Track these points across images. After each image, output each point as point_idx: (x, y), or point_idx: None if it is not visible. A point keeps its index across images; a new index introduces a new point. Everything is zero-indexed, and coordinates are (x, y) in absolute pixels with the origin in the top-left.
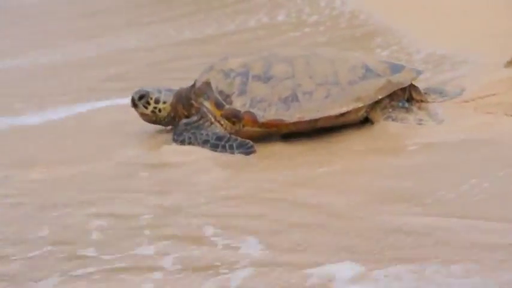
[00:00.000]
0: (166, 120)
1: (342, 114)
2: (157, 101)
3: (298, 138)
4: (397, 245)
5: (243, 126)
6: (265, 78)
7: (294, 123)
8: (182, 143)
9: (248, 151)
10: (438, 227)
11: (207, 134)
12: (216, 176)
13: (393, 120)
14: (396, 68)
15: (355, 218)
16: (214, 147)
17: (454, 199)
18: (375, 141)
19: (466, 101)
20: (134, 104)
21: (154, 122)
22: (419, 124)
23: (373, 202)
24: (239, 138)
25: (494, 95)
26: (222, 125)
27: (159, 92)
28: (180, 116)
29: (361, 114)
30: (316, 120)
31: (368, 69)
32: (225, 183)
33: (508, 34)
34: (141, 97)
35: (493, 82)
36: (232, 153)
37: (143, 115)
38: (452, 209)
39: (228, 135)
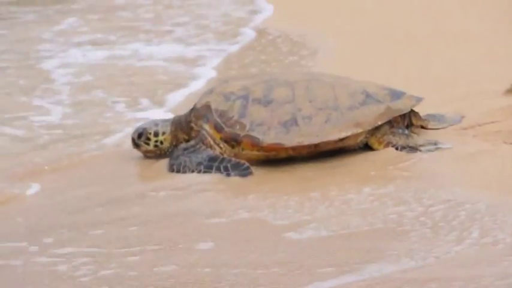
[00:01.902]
0: (170, 150)
1: (341, 140)
2: (156, 134)
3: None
4: None
5: (242, 149)
6: (265, 102)
7: (293, 148)
8: (178, 167)
9: (244, 173)
10: None
11: (202, 157)
12: None
13: (393, 146)
14: (396, 95)
15: None
16: (209, 168)
17: None
18: (371, 168)
19: (465, 128)
20: (136, 144)
21: (160, 155)
22: (419, 151)
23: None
24: (233, 159)
25: (493, 122)
26: (221, 148)
27: (156, 125)
28: (181, 142)
29: (361, 140)
30: (315, 145)
31: (368, 95)
32: None
33: (508, 61)
34: (140, 136)
35: (493, 110)
36: (228, 174)
37: (147, 152)
38: None
39: (222, 157)
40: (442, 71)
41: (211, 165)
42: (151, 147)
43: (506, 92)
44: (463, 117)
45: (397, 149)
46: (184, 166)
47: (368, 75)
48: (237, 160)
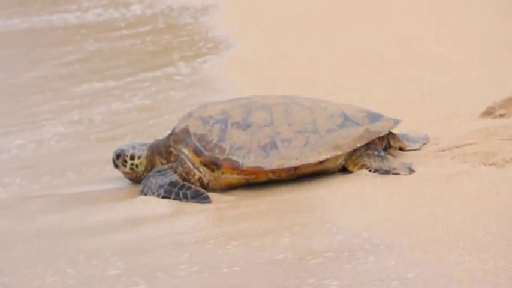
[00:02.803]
0: (144, 174)
1: (321, 162)
2: (132, 157)
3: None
4: None
5: (222, 173)
6: (244, 126)
7: (273, 171)
8: (143, 188)
9: (202, 202)
10: None
11: (165, 181)
12: None
13: (367, 168)
14: (374, 117)
15: None
16: (168, 193)
17: None
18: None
19: (443, 150)
20: (115, 165)
21: (136, 179)
22: (394, 174)
23: None
24: (193, 187)
25: (471, 144)
26: (200, 172)
27: (133, 148)
28: (157, 166)
29: (340, 162)
30: (295, 168)
31: (346, 118)
32: None
33: (482, 84)
34: (118, 156)
35: (470, 132)
36: (187, 201)
37: (125, 173)
38: None
39: (182, 183)
40: (417, 95)
41: (170, 190)
42: (127, 169)
43: (482, 114)
44: (427, 136)
45: (370, 171)
46: (149, 187)
47: (344, 100)
48: (197, 188)
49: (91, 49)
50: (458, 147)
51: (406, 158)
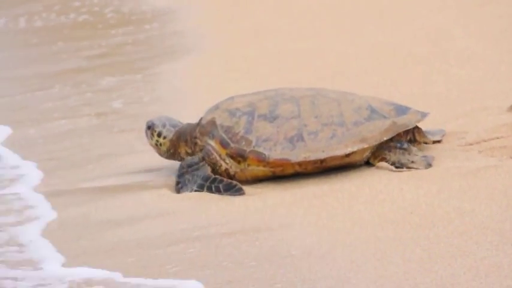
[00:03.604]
0: (166, 155)
1: (348, 155)
2: (159, 135)
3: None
4: None
5: (248, 165)
6: (271, 118)
7: (299, 163)
8: (183, 185)
9: (236, 194)
10: None
11: (198, 174)
12: None
13: (386, 161)
14: (401, 110)
15: None
16: (200, 187)
17: None
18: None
19: (471, 144)
20: (146, 133)
21: (160, 154)
22: (409, 167)
23: None
24: (225, 180)
25: (498, 138)
26: (227, 163)
27: (164, 125)
28: (180, 153)
29: (366, 155)
30: (321, 161)
31: (373, 111)
32: None
33: (510, 78)
34: (148, 127)
35: (497, 126)
36: (221, 194)
37: (151, 145)
38: None
39: (214, 176)
40: (445, 89)
41: (202, 184)
42: (153, 142)
43: (510, 108)
44: (444, 131)
45: (389, 164)
46: (185, 185)
47: (371, 94)
48: (229, 181)
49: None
50: (485, 141)
51: (431, 151)
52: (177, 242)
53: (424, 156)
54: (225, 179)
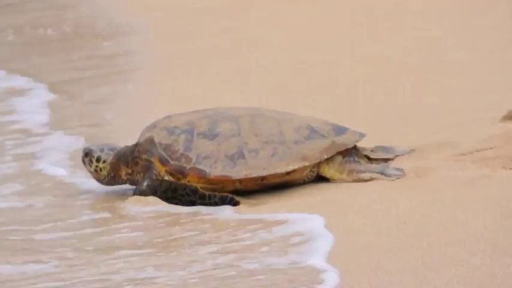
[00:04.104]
0: (107, 179)
1: (288, 173)
2: (98, 160)
3: None
4: None
5: (189, 182)
6: (211, 136)
7: (240, 180)
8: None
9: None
10: None
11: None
12: None
13: (358, 172)
14: (340, 130)
15: None
16: (191, 203)
17: None
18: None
19: (464, 154)
20: (83, 161)
21: (99, 181)
22: (384, 174)
23: None
24: (217, 194)
25: (491, 148)
26: None
27: (102, 150)
28: (121, 175)
29: (306, 173)
30: (262, 178)
31: (313, 130)
32: None
33: (503, 89)
34: (86, 155)
35: (491, 136)
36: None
37: (90, 173)
38: None
39: (207, 194)
40: (437, 100)
41: (193, 201)
42: (92, 169)
43: (503, 118)
44: (412, 150)
45: (363, 172)
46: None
47: (364, 105)
48: (221, 194)
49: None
50: (478, 151)
51: (423, 162)
52: None
53: (383, 165)
54: (217, 194)
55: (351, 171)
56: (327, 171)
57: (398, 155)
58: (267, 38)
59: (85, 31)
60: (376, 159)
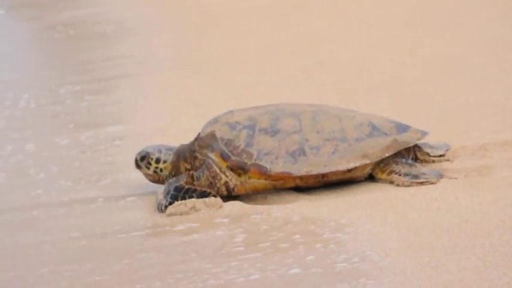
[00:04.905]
0: (168, 179)
1: (349, 170)
2: (158, 161)
3: None
4: None
5: (249, 178)
6: (272, 132)
7: (301, 177)
8: (160, 201)
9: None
10: None
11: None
12: None
13: (396, 174)
14: (402, 128)
15: None
16: (174, 198)
17: None
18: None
19: None
20: (137, 165)
21: (158, 181)
22: (421, 179)
23: None
24: (198, 189)
25: None
26: (227, 176)
27: (159, 151)
28: (182, 172)
29: (367, 171)
30: (323, 175)
31: (374, 128)
32: None
33: None
34: (142, 158)
35: None
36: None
37: (147, 175)
38: None
39: (187, 187)
40: (500, 98)
41: (176, 195)
42: (150, 171)
43: None
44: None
45: (399, 175)
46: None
47: (425, 103)
48: (203, 189)
49: None
50: None
51: (483, 161)
52: None
53: (432, 170)
54: (198, 188)
55: (390, 173)
56: (374, 168)
57: (447, 150)
58: (328, 34)
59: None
60: (435, 156)
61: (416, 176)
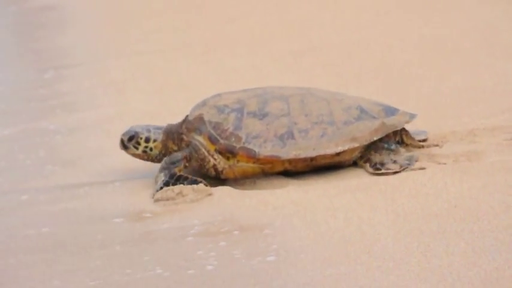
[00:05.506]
0: (158, 157)
1: (338, 154)
2: (147, 140)
3: None
4: None
5: (238, 161)
6: (261, 115)
7: (290, 161)
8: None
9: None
10: None
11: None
12: None
13: (368, 162)
14: (390, 111)
15: None
16: (166, 185)
17: None
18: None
19: None
20: (124, 146)
21: (146, 160)
22: (388, 169)
23: None
24: (190, 177)
25: None
26: (215, 159)
27: (148, 131)
28: (170, 152)
29: (355, 155)
30: (311, 159)
31: (363, 111)
32: None
33: None
34: (130, 138)
35: None
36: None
37: (135, 155)
38: None
39: (178, 174)
40: (490, 83)
41: (168, 181)
42: (139, 151)
43: None
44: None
45: (371, 166)
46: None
47: (415, 87)
48: (194, 178)
49: None
50: None
51: (475, 146)
52: None
53: (410, 156)
54: (190, 177)
55: (366, 161)
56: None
57: (425, 138)
58: (318, 18)
59: None
60: (421, 141)
61: (382, 165)
